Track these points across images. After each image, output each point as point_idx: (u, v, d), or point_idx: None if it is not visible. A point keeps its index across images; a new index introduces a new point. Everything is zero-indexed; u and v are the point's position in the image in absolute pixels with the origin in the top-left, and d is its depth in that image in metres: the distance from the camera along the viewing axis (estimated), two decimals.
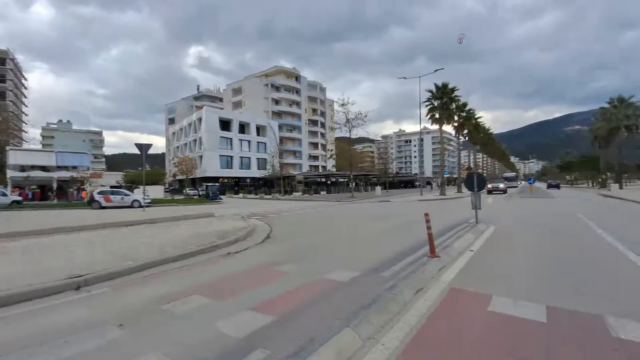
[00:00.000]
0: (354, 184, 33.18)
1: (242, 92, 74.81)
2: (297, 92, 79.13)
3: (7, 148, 37.39)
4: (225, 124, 57.15)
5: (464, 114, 34.79)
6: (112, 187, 36.92)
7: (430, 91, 31.46)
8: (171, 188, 65.22)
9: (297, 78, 79.92)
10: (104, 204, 22.25)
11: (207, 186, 37.66)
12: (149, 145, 15.83)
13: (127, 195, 23.11)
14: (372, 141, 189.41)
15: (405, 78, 32.93)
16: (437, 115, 30.66)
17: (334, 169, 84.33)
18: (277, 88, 74.86)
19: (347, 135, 28.55)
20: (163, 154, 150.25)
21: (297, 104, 78.69)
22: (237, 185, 57.98)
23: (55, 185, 36.29)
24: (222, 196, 39.54)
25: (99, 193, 22.47)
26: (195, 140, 58.28)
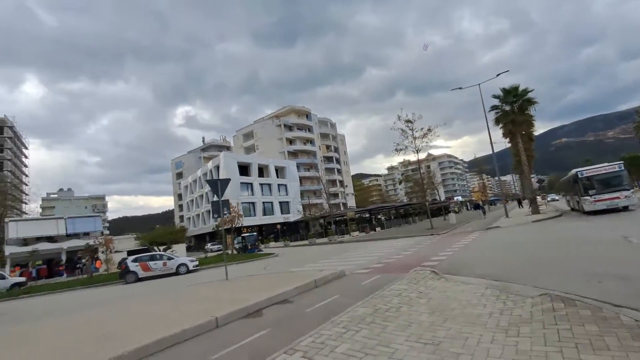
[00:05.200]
0: (428, 213, 27.72)
1: (254, 136, 71.74)
2: (310, 129, 76.60)
3: (6, 220, 31.94)
4: (243, 169, 52.79)
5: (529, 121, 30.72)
6: (132, 251, 31.12)
7: (498, 97, 27.66)
8: (189, 245, 59.13)
9: (308, 115, 77.93)
10: (141, 274, 16.59)
11: (243, 237, 31.98)
12: (226, 181, 10.86)
13: (170, 259, 17.50)
14: (379, 175, 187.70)
15: (460, 88, 29.39)
16: (511, 123, 26.43)
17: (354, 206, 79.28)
18: (289, 127, 72.16)
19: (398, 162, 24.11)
20: (166, 212, 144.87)
21: (311, 141, 75.74)
22: (260, 234, 52.33)
23: (64, 258, 30.38)
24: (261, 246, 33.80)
25: (134, 261, 16.84)
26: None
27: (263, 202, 53.93)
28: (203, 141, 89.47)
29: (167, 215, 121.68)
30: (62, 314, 9.45)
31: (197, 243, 58.39)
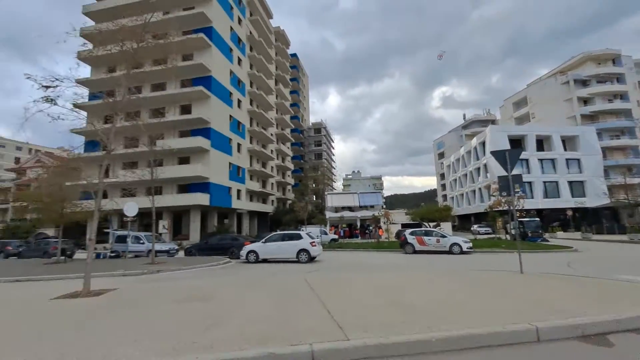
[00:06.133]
0: None
1: (528, 102, 59.46)
2: (619, 79, 53.61)
3: (326, 193, 45.26)
4: (515, 143, 45.02)
5: None
6: (405, 224, 34.95)
7: None
8: (454, 224, 59.04)
9: (615, 60, 54.66)
10: (417, 247, 17.94)
11: (521, 222, 27.28)
12: (516, 152, 9.05)
13: (442, 237, 17.77)
14: None
15: None
16: None
17: None
18: (583, 82, 53.80)
19: None
20: (428, 191, 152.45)
21: (622, 96, 52.88)
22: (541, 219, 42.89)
23: (358, 224, 39.04)
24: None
25: (411, 234, 18.50)
26: (477, 169, 49.72)
27: (543, 182, 43.99)
28: (464, 118, 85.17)
29: (430, 194, 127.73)
30: (364, 271, 11.61)
31: (461, 223, 56.97)
